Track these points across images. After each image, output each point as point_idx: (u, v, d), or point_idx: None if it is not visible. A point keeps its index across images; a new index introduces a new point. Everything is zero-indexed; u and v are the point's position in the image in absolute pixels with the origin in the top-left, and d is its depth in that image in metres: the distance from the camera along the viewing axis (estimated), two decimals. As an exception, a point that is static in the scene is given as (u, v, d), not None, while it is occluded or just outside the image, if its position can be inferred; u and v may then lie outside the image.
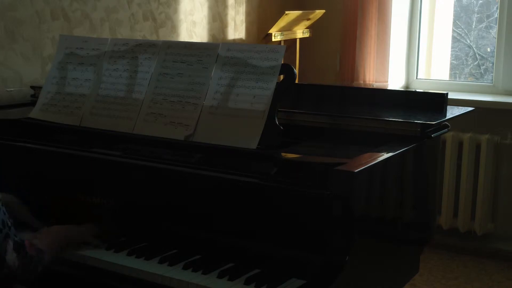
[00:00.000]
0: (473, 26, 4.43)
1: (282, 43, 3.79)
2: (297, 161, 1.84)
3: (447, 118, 2.06)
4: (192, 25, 3.58)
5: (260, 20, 4.12)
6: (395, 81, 4.17)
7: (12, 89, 2.63)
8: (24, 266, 1.62)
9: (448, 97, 2.19)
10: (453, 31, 4.41)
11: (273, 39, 3.80)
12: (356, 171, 1.54)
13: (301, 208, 1.63)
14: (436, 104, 2.16)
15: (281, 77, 1.93)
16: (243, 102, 1.92)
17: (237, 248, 1.73)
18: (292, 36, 4.01)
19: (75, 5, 2.88)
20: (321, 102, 2.35)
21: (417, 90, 3.79)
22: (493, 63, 4.06)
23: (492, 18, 4.28)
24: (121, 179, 1.94)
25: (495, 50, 3.99)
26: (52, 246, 1.73)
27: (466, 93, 4.04)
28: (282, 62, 1.91)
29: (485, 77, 4.36)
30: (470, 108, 2.29)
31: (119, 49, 2.19)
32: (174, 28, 3.45)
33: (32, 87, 2.60)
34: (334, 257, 1.55)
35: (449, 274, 3.64)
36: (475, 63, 4.42)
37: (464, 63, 4.48)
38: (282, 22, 3.79)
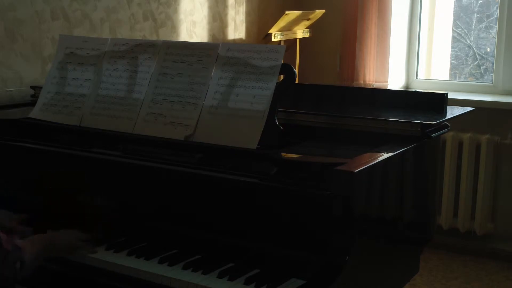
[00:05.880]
0: (473, 26, 4.43)
1: (282, 43, 3.79)
2: (297, 161, 1.84)
3: (447, 118, 2.06)
4: (192, 25, 3.58)
5: (260, 20, 4.12)
6: (395, 81, 4.16)
7: (12, 89, 2.63)
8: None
9: (448, 97, 2.19)
10: (453, 31, 4.41)
11: (273, 39, 3.81)
12: (356, 171, 1.54)
13: (301, 208, 1.63)
14: (436, 104, 2.16)
15: (281, 77, 1.93)
16: (243, 102, 1.91)
17: (237, 248, 1.73)
18: (292, 36, 4.01)
19: (75, 5, 2.88)
20: (321, 102, 2.35)
21: (417, 90, 3.79)
22: (493, 63, 4.06)
23: (492, 18, 4.28)
24: (121, 179, 1.94)
25: (495, 50, 3.99)
26: (34, 247, 1.68)
27: (466, 93, 4.04)
28: (282, 62, 1.91)
29: (485, 77, 4.36)
30: (470, 108, 2.29)
31: (119, 49, 2.19)
32: (174, 28, 3.45)
33: (32, 87, 2.60)
34: (334, 257, 1.55)
35: (449, 274, 3.64)
36: (475, 63, 4.42)
37: (464, 63, 4.48)
38: (282, 22, 3.79)
